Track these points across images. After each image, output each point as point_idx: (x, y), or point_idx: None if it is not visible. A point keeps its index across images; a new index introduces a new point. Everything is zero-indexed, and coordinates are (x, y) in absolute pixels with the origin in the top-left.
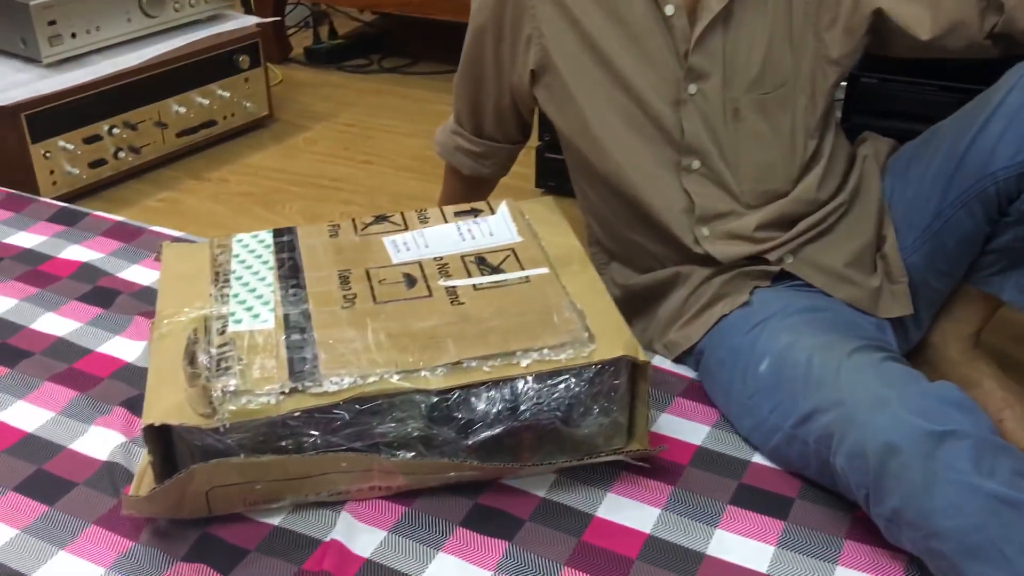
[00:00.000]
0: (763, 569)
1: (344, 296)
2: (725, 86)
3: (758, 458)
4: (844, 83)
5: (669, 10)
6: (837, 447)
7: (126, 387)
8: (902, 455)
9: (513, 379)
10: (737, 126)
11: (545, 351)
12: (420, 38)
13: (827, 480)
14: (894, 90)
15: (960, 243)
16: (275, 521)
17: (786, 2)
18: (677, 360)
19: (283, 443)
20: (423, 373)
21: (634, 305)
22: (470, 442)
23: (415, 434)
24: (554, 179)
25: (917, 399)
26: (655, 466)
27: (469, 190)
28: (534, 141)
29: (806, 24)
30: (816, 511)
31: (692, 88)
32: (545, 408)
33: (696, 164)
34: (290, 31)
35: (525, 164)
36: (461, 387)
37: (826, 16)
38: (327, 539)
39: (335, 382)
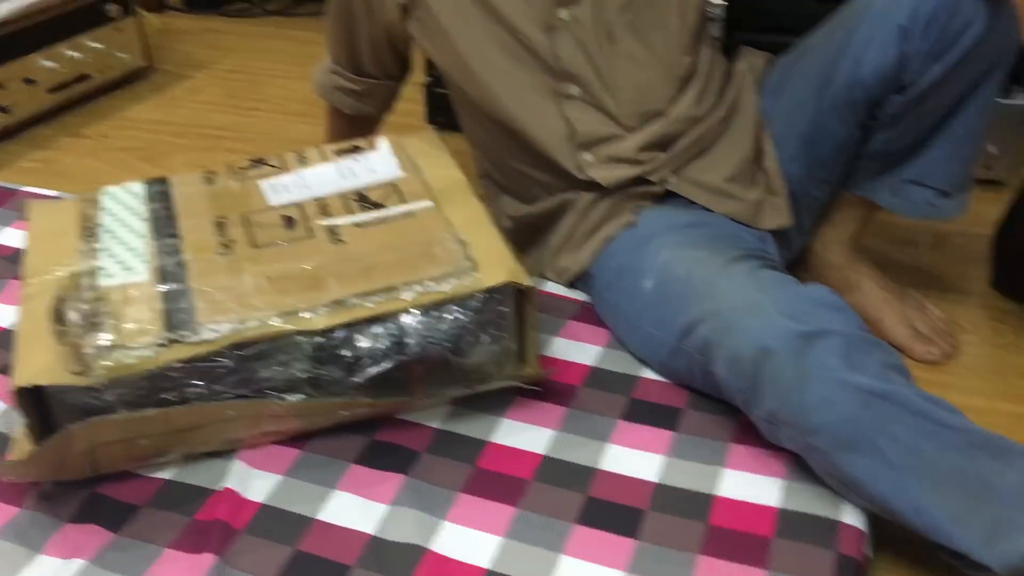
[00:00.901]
0: (653, 478)
1: (221, 243)
2: (596, 9)
3: (648, 373)
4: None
5: None
6: (716, 355)
7: (4, 353)
8: (776, 357)
9: (397, 313)
10: (612, 48)
11: (428, 283)
12: None
13: (712, 389)
14: (772, 5)
15: (834, 150)
16: (166, 475)
17: None
18: (570, 285)
19: (166, 396)
20: (304, 314)
21: (526, 235)
22: (359, 380)
23: (302, 376)
24: (444, 115)
25: (789, 302)
26: (548, 389)
27: (353, 129)
28: (423, 77)
29: None
30: (703, 419)
31: (563, 13)
32: (433, 340)
33: (574, 90)
34: None
35: (415, 101)
36: (344, 325)
37: None
38: (220, 488)
39: (213, 330)
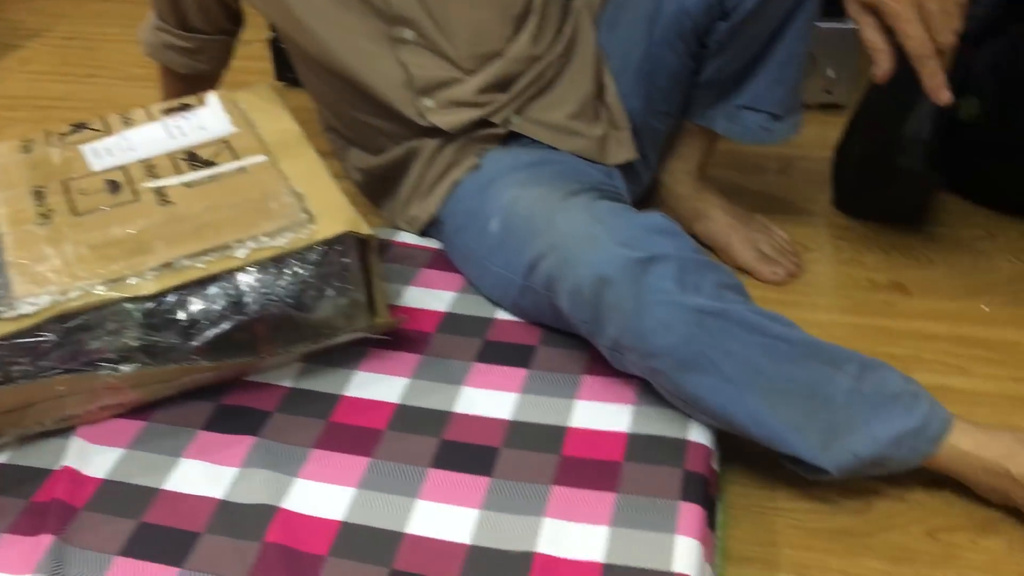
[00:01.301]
0: (507, 416)
1: (40, 213)
2: None
3: (502, 314)
4: None
5: None
6: (559, 288)
7: None
8: (614, 285)
9: (232, 272)
10: None
11: (263, 238)
12: None
13: (562, 323)
14: None
15: (670, 81)
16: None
17: None
18: (422, 233)
19: None
20: (131, 280)
21: (378, 187)
22: (197, 343)
23: (135, 344)
24: (294, 70)
25: (623, 231)
26: (402, 338)
27: (191, 89)
28: (268, 32)
29: None
30: (557, 354)
31: None
32: (273, 297)
33: (409, 34)
34: None
35: (262, 59)
36: (175, 288)
37: None
38: (58, 467)
39: (32, 303)
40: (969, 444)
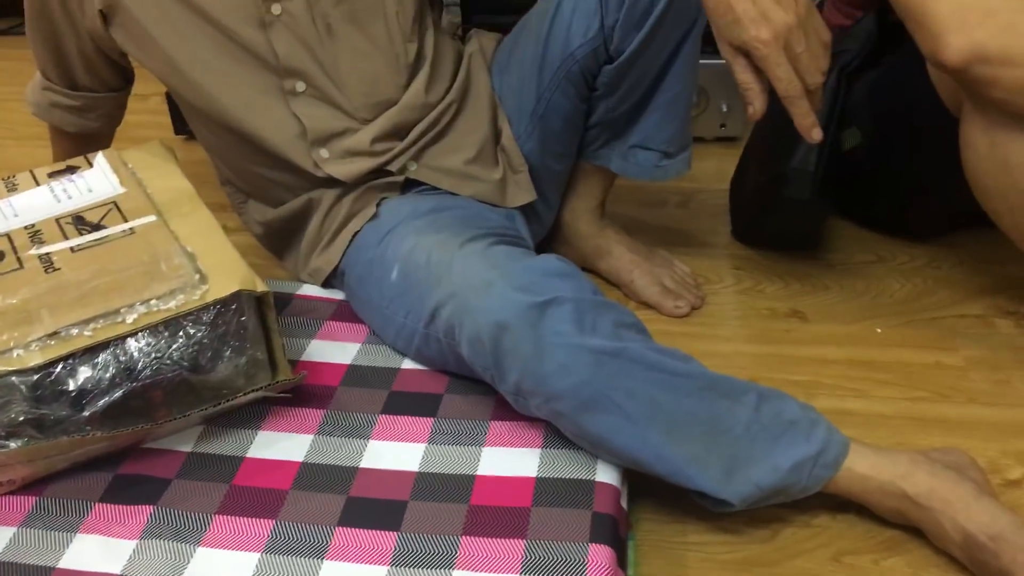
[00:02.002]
0: (414, 468)
1: None
2: (311, 3)
3: (408, 364)
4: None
5: None
6: (459, 336)
7: None
8: (512, 330)
9: (122, 338)
10: (333, 41)
11: (154, 302)
12: None
13: (466, 370)
14: None
15: (564, 123)
16: None
17: None
18: (325, 285)
19: None
20: (15, 352)
21: (278, 239)
22: (88, 413)
23: (22, 419)
24: None
25: (519, 275)
26: (306, 394)
27: (82, 147)
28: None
29: None
30: (463, 402)
31: (275, 8)
32: (167, 361)
33: (300, 86)
34: None
35: (160, 112)
36: (63, 358)
37: None
38: None
39: None
40: (866, 467)
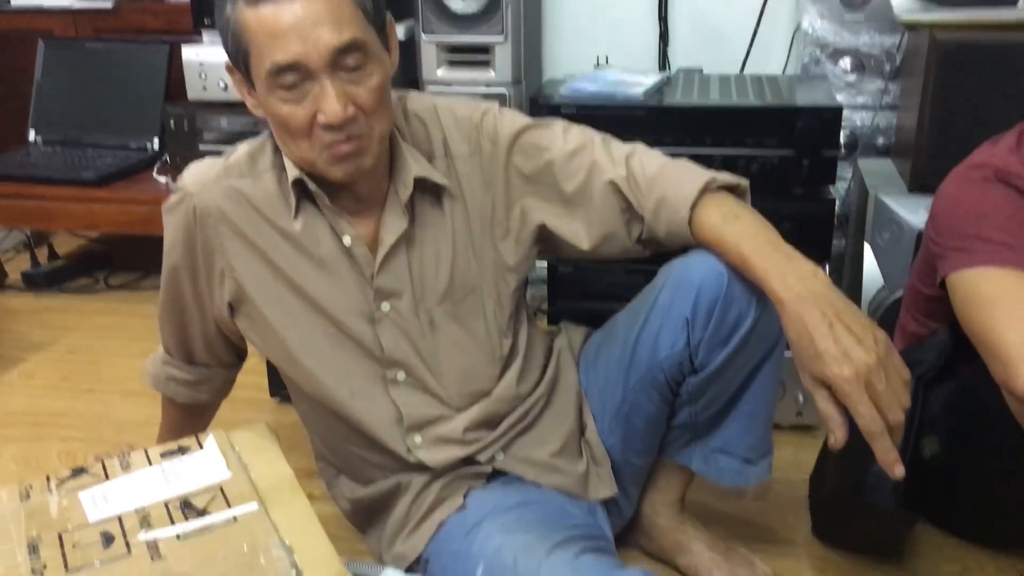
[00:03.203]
0: None
1: (32, 569)
2: (417, 301)
3: None
4: (545, 271)
5: (347, 241)
6: None
7: None
8: None
9: None
10: (435, 335)
11: None
12: (149, 250)
13: None
14: (588, 276)
15: (647, 424)
16: None
17: (464, 218)
18: (409, 570)
19: None
20: None
21: (364, 517)
22: None
23: None
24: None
25: None
26: None
27: (189, 417)
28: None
29: (484, 236)
30: None
31: (385, 306)
32: None
33: (401, 375)
34: (5, 257)
35: (258, 372)
36: None
37: (499, 229)
38: None
39: None
40: None
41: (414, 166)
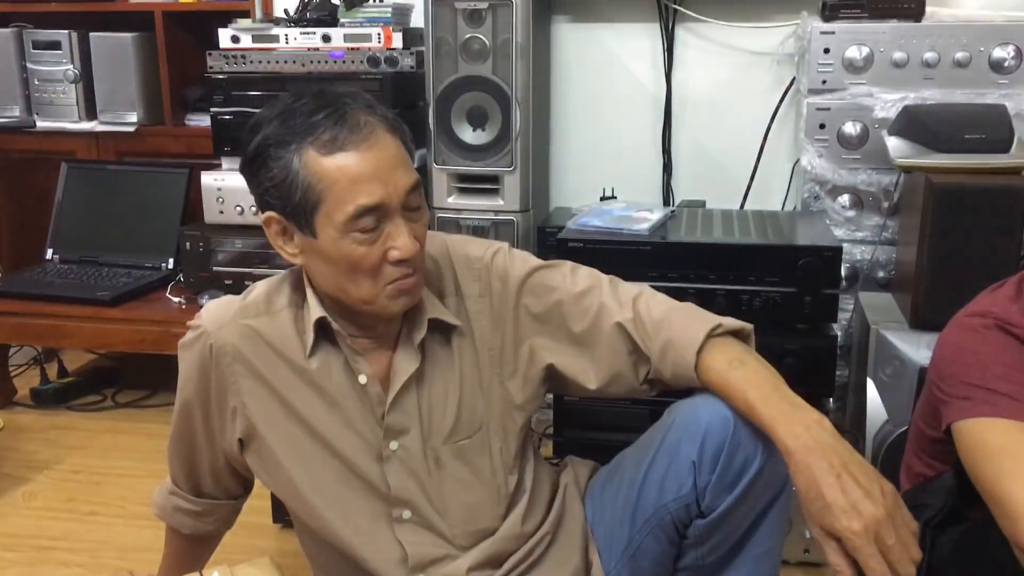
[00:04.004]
0: None
1: None
2: (424, 438)
3: None
4: (550, 403)
5: (363, 379)
6: None
7: None
8: None
9: None
10: (440, 473)
11: None
12: (159, 368)
13: None
14: (594, 406)
15: (653, 564)
16: None
17: (473, 356)
18: None
19: None
20: None
21: None
22: None
23: None
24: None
25: None
26: None
27: (193, 547)
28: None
29: (492, 375)
30: None
31: (393, 445)
32: None
33: (407, 514)
34: (15, 371)
35: (262, 496)
36: None
37: (508, 367)
38: None
39: None
40: None
41: (429, 307)
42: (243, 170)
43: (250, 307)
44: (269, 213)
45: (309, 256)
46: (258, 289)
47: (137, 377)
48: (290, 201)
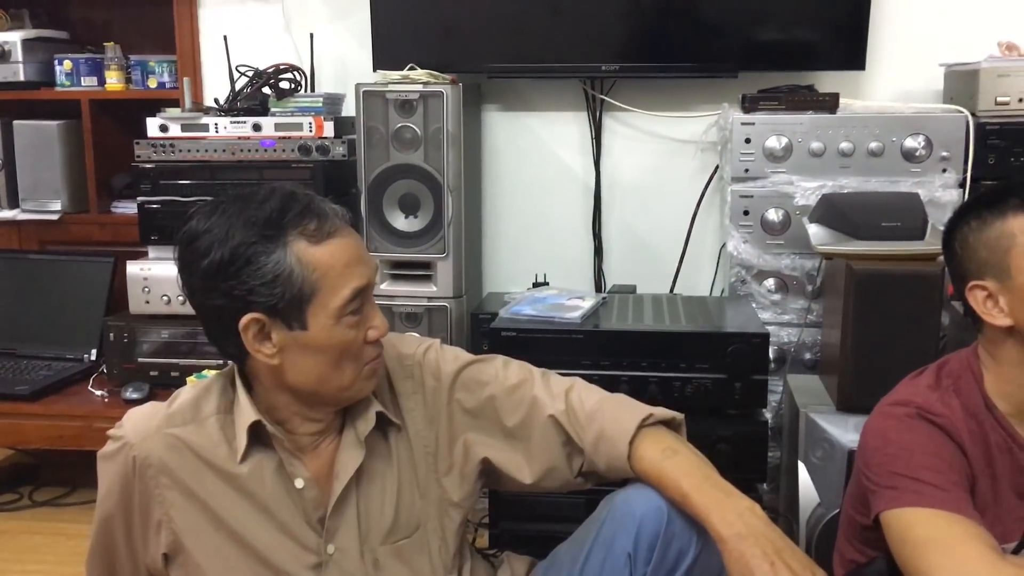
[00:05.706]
0: None
1: None
2: (363, 540)
3: None
4: (486, 493)
5: (299, 483)
6: None
7: None
8: None
9: None
10: (379, 575)
11: None
12: (80, 464)
13: None
14: (530, 499)
15: None
16: None
17: (409, 454)
18: None
19: None
20: None
21: None
22: None
23: None
24: None
25: None
26: None
27: None
28: None
29: (428, 472)
30: None
31: (331, 548)
32: None
33: None
34: None
35: None
36: None
37: (443, 464)
38: None
39: None
40: None
41: (375, 401)
42: (207, 279)
43: (176, 415)
44: (251, 315)
45: (290, 353)
46: (184, 395)
47: (56, 473)
48: (283, 297)
